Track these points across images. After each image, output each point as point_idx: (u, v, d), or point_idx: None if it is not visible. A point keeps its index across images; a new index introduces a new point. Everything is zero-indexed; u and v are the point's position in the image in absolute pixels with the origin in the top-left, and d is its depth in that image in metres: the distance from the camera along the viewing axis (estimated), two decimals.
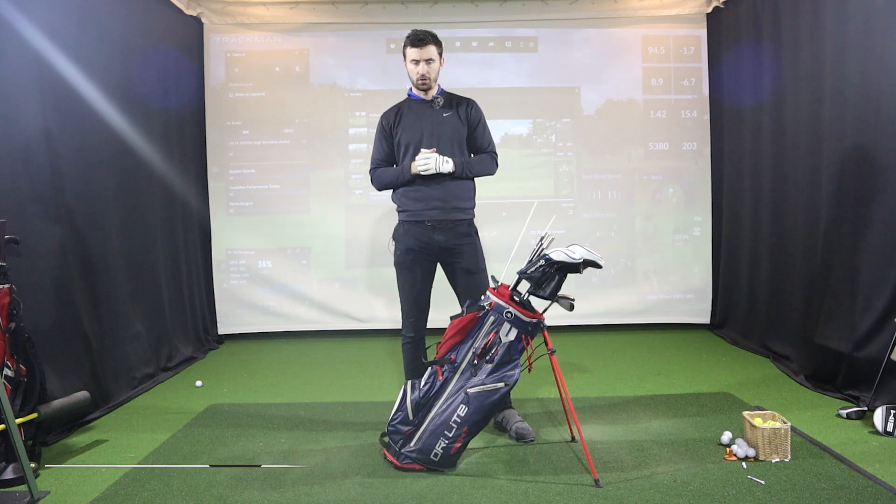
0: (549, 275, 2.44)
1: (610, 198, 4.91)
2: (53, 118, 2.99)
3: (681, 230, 4.95)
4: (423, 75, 2.79)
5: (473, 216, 2.88)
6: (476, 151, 2.91)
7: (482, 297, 2.56)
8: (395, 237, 2.89)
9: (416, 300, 2.85)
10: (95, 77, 3.30)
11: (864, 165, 3.14)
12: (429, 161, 2.71)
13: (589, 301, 4.74)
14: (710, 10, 4.79)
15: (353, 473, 2.45)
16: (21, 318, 2.50)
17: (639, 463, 2.49)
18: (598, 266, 2.47)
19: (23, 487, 2.32)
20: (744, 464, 2.44)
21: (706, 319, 4.94)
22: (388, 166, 2.92)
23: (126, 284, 3.57)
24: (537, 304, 2.52)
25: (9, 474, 2.38)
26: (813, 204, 3.58)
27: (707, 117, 4.88)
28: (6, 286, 2.46)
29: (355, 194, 4.91)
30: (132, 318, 3.62)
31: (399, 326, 4.75)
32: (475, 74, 4.87)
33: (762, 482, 2.28)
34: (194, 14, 4.63)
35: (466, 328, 2.50)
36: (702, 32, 4.87)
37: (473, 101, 2.92)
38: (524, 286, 2.52)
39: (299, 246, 4.90)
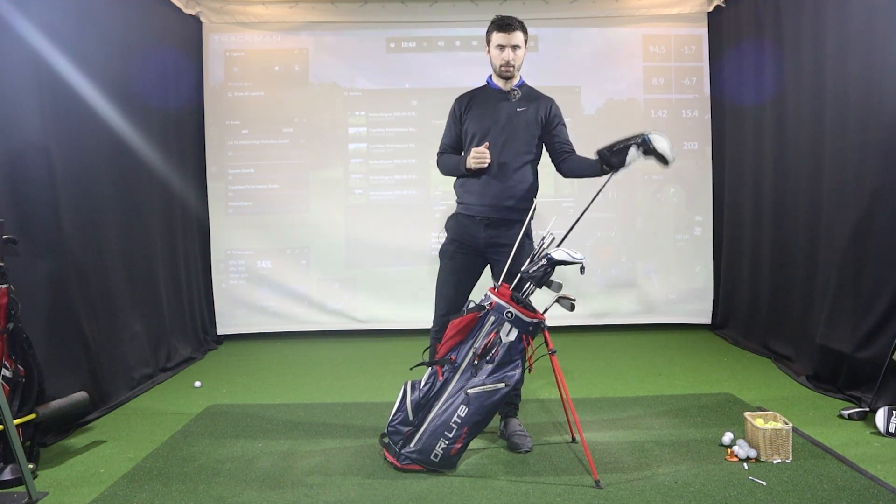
0: (549, 274, 2.44)
1: (611, 197, 4.90)
2: (51, 117, 2.98)
3: (682, 230, 4.93)
4: (507, 62, 2.64)
5: (529, 217, 2.66)
6: (557, 150, 2.74)
7: (483, 297, 2.55)
8: (446, 227, 2.79)
9: (448, 293, 2.72)
10: (94, 76, 3.29)
11: (866, 165, 3.13)
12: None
13: (590, 301, 4.73)
14: (711, 9, 4.78)
15: (353, 474, 2.44)
16: (19, 318, 2.48)
17: (640, 464, 2.48)
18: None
19: (21, 488, 2.31)
20: (745, 465, 2.43)
21: (707, 320, 4.92)
22: (456, 152, 2.82)
23: (124, 284, 3.56)
24: (538, 304, 2.51)
25: (7, 475, 2.37)
26: (814, 204, 3.57)
27: (708, 117, 4.87)
28: (4, 286, 2.44)
29: (355, 194, 4.90)
30: (131, 318, 3.61)
31: (398, 327, 4.82)
32: (476, 74, 4.76)
33: (763, 483, 2.27)
34: (193, 13, 4.62)
35: (467, 328, 2.49)
36: (703, 31, 4.86)
37: (553, 100, 2.77)
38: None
39: (299, 246, 4.89)
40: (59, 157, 3.03)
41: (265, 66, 4.83)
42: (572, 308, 2.49)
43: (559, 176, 5.17)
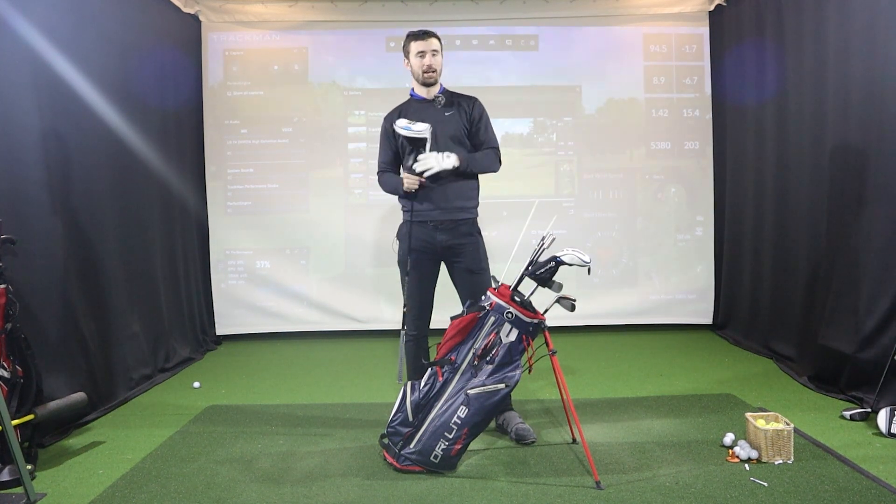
0: (554, 274, 2.45)
1: (611, 197, 4.89)
2: (50, 117, 2.97)
3: (683, 230, 4.92)
4: (429, 66, 2.77)
5: (476, 215, 2.87)
6: (477, 148, 2.88)
7: (482, 298, 2.54)
8: (398, 236, 2.88)
9: (417, 299, 2.84)
10: (92, 75, 3.28)
11: (868, 164, 3.11)
12: (428, 160, 2.67)
13: (590, 301, 4.71)
14: (712, 7, 4.76)
15: (352, 475, 2.43)
16: (17, 318, 2.48)
17: (640, 465, 2.47)
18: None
19: (19, 489, 2.30)
20: (746, 466, 2.42)
21: (708, 320, 4.91)
22: (395, 168, 2.93)
23: (123, 285, 3.55)
24: (538, 304, 2.50)
25: (5, 476, 2.36)
26: (816, 203, 3.55)
27: (709, 116, 4.86)
28: (2, 286, 2.44)
29: (354, 193, 4.89)
30: (129, 318, 3.60)
31: (398, 327, 4.78)
32: (475, 73, 4.85)
33: (765, 484, 2.26)
34: (192, 12, 4.60)
35: (467, 329, 2.48)
36: (704, 30, 4.85)
37: (475, 99, 2.90)
38: (525, 286, 2.50)
39: (298, 246, 4.87)
40: (58, 157, 3.02)
41: (264, 65, 4.81)
42: (573, 308, 2.48)
43: (559, 176, 5.19)
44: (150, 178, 3.97)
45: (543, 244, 2.50)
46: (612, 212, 4.89)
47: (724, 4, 4.62)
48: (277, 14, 4.76)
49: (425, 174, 2.69)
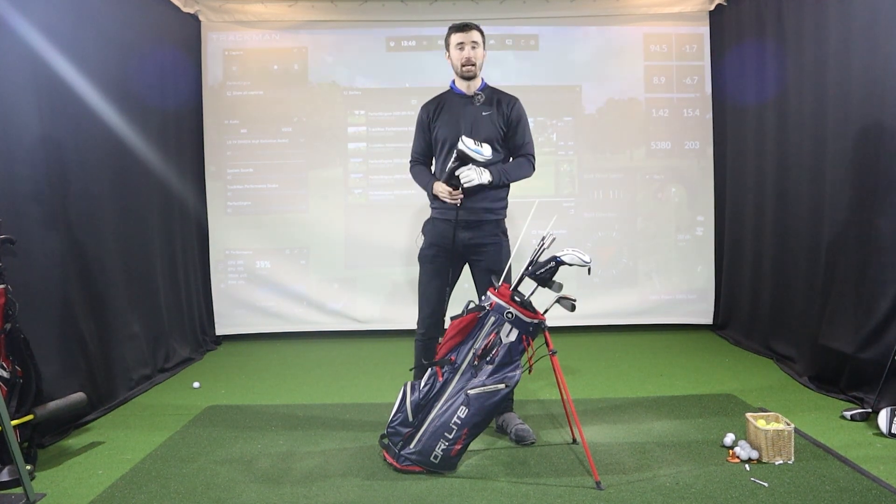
0: (554, 274, 2.44)
1: (611, 197, 4.88)
2: (49, 117, 2.97)
3: (683, 230, 4.92)
4: (468, 59, 2.73)
5: (503, 216, 2.83)
6: (513, 151, 2.85)
7: (483, 298, 2.54)
8: (423, 231, 2.86)
9: (431, 296, 2.78)
10: (92, 75, 3.28)
11: (869, 164, 3.11)
12: (471, 173, 2.62)
13: (590, 301, 4.71)
14: (712, 7, 4.76)
15: (352, 475, 2.43)
16: (17, 318, 2.47)
17: (641, 465, 2.47)
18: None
19: (19, 489, 2.30)
20: (747, 466, 2.42)
21: (709, 320, 4.91)
22: (427, 160, 2.91)
23: (123, 285, 3.55)
24: (538, 304, 2.50)
25: (5, 476, 2.36)
26: (817, 203, 3.55)
27: (710, 116, 4.86)
28: (2, 286, 2.44)
29: (354, 193, 4.89)
30: (129, 318, 3.60)
31: (398, 327, 4.80)
32: None
33: (765, 484, 2.26)
34: (192, 12, 4.60)
35: (467, 329, 2.48)
36: (704, 30, 4.84)
37: (517, 99, 2.84)
38: (525, 286, 2.50)
39: (298, 246, 4.87)
40: (57, 157, 3.02)
41: (264, 64, 4.81)
42: (573, 308, 2.48)
43: (559, 176, 5.19)
44: (150, 178, 3.96)
45: (543, 244, 2.50)
46: (612, 212, 4.89)
47: (725, 4, 4.62)
48: (277, 14, 4.75)
49: (465, 184, 2.64)
